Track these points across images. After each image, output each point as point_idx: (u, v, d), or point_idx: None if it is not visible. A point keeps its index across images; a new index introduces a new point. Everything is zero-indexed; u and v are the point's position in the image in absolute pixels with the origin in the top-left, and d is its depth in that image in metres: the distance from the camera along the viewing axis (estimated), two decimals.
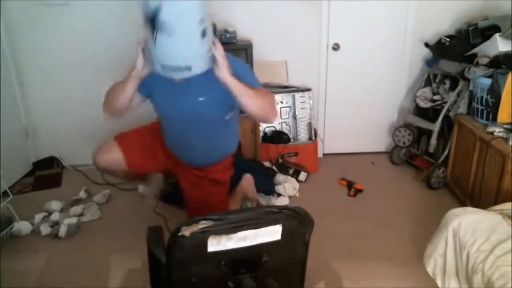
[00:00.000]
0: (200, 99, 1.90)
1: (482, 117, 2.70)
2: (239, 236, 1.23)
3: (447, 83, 3.21)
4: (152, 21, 1.47)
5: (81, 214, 2.85)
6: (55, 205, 2.90)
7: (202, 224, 1.19)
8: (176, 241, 1.19)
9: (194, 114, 1.95)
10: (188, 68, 1.58)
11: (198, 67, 1.61)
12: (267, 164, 3.32)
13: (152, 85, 1.89)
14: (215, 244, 1.21)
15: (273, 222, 1.26)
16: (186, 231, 1.18)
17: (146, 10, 1.48)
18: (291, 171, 3.28)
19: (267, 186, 2.98)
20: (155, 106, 2.06)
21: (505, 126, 2.51)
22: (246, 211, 1.29)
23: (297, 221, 1.32)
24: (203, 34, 1.53)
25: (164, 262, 1.23)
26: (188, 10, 1.48)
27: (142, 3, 1.48)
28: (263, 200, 2.90)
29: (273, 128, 3.46)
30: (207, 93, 1.89)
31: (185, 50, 1.55)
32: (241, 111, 1.88)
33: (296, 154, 3.43)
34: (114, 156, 2.21)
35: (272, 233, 1.27)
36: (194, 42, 1.54)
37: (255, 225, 1.24)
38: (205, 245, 1.21)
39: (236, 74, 1.69)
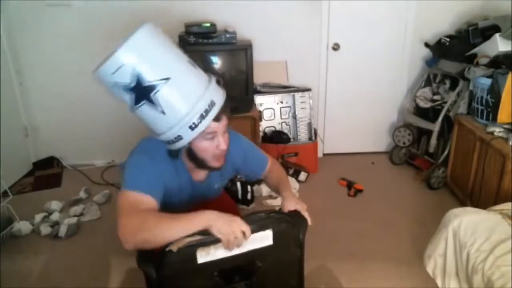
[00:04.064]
0: (216, 186, 1.64)
1: (482, 117, 2.70)
2: None
3: (447, 83, 3.21)
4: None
5: (81, 214, 2.85)
6: (55, 205, 2.90)
7: (189, 238, 1.16)
8: (164, 257, 1.17)
9: (203, 198, 1.62)
10: None
11: None
12: None
13: (167, 187, 1.40)
14: (204, 256, 1.19)
15: (262, 228, 1.24)
16: (173, 247, 1.15)
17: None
18: (291, 171, 3.28)
19: None
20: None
21: (505, 126, 2.51)
22: None
23: (287, 224, 1.30)
24: None
25: (155, 278, 1.21)
26: None
27: None
28: None
29: (273, 128, 3.46)
30: (223, 178, 1.66)
31: None
32: None
33: (296, 154, 3.43)
34: None
35: (262, 239, 1.25)
36: None
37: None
38: (194, 258, 1.18)
39: (246, 155, 1.60)
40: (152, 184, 1.30)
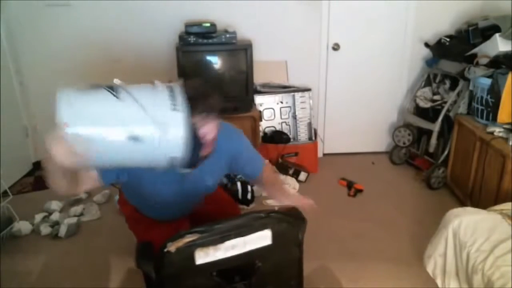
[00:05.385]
0: (209, 182, 1.65)
1: (482, 117, 2.69)
2: (227, 245, 1.21)
3: (447, 83, 3.21)
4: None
5: (81, 214, 2.85)
6: (55, 205, 2.90)
7: (188, 238, 1.17)
8: (163, 257, 1.18)
9: (194, 196, 1.69)
10: None
11: None
12: None
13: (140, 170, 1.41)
14: (203, 257, 1.20)
15: (261, 228, 1.24)
16: (172, 247, 1.16)
17: None
18: (291, 171, 3.28)
19: None
20: (138, 190, 1.62)
21: (505, 126, 2.51)
22: (232, 219, 1.27)
23: (286, 223, 1.30)
24: None
25: (154, 278, 1.22)
26: None
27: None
28: None
29: (273, 128, 3.46)
30: (215, 175, 1.67)
31: None
32: None
33: (296, 154, 3.43)
34: None
35: (261, 239, 1.25)
36: None
37: (242, 232, 1.22)
38: (193, 259, 1.19)
39: (246, 150, 1.62)
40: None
